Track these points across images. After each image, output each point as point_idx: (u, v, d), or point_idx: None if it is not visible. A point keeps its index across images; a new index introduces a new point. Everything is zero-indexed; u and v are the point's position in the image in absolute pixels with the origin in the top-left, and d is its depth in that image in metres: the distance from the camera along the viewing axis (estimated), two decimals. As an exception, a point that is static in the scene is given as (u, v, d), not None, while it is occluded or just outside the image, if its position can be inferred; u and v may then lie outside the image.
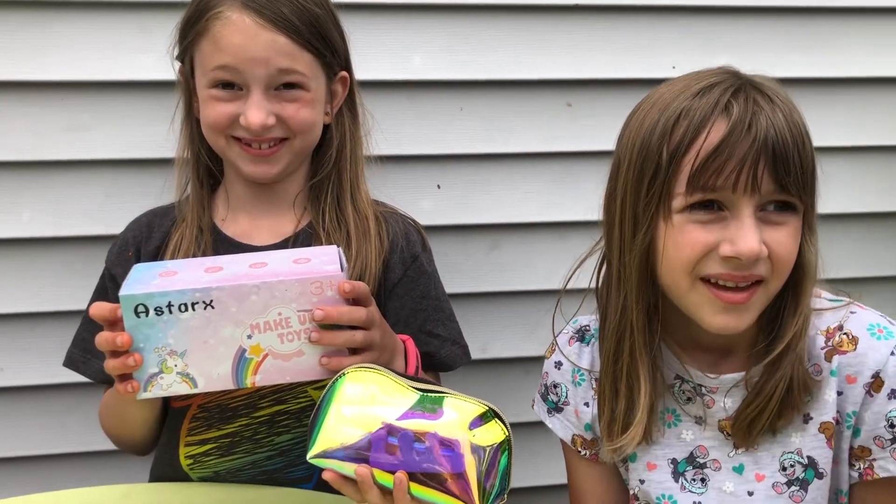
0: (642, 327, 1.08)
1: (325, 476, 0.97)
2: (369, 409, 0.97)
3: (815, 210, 1.04)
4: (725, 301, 1.00)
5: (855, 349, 1.03)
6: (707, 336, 1.08)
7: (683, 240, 1.01)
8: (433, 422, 0.96)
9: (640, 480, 1.15)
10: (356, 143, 1.37)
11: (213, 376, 1.03)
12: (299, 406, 1.25)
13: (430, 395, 0.99)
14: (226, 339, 1.02)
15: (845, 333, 1.04)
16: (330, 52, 1.28)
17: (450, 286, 1.44)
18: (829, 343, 1.04)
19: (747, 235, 0.97)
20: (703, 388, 1.11)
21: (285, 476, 1.25)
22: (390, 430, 0.95)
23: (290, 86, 1.24)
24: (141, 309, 0.99)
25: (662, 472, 1.13)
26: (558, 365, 1.23)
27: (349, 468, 0.96)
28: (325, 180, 1.33)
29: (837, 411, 1.05)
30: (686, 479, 1.13)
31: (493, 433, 0.96)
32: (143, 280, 1.02)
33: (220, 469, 1.25)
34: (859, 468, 1.07)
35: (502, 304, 1.70)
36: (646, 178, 1.03)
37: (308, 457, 0.98)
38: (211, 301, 1.00)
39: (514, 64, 1.65)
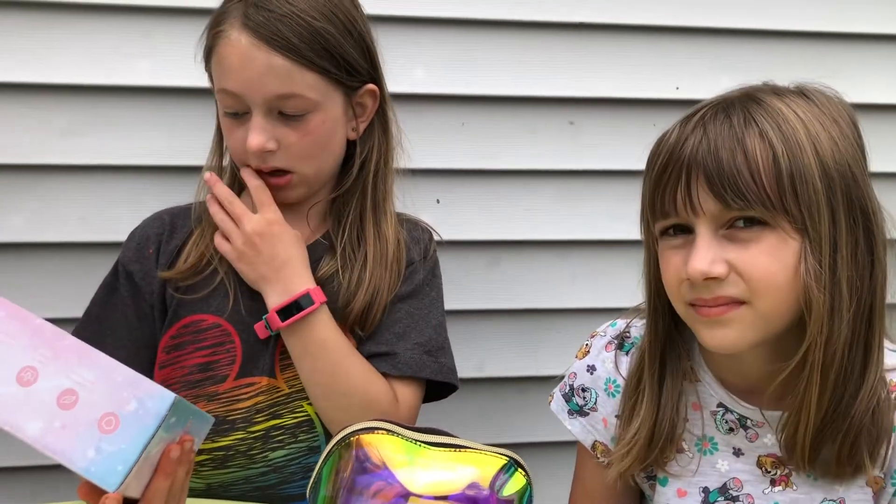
0: (653, 354, 1.07)
1: None
2: (380, 476, 0.90)
3: (823, 227, 0.94)
4: (704, 316, 0.97)
5: None
6: (750, 369, 1.04)
7: (665, 266, 1.00)
8: (452, 481, 0.89)
9: None
10: (385, 159, 1.30)
11: None
12: (295, 421, 1.21)
13: (445, 450, 0.92)
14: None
15: None
16: (343, 68, 1.21)
17: (447, 302, 1.40)
18: (895, 397, 1.00)
19: (695, 256, 0.94)
20: (749, 421, 1.06)
21: (279, 493, 1.22)
22: (407, 496, 0.88)
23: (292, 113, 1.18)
24: None
25: (692, 500, 1.09)
26: (591, 369, 1.16)
27: None
28: (350, 195, 1.28)
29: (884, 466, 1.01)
30: None
31: (515, 483, 0.91)
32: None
33: (212, 481, 1.22)
34: None
35: (500, 322, 1.68)
36: (641, 206, 1.04)
37: None
38: None
39: (518, 80, 1.64)
